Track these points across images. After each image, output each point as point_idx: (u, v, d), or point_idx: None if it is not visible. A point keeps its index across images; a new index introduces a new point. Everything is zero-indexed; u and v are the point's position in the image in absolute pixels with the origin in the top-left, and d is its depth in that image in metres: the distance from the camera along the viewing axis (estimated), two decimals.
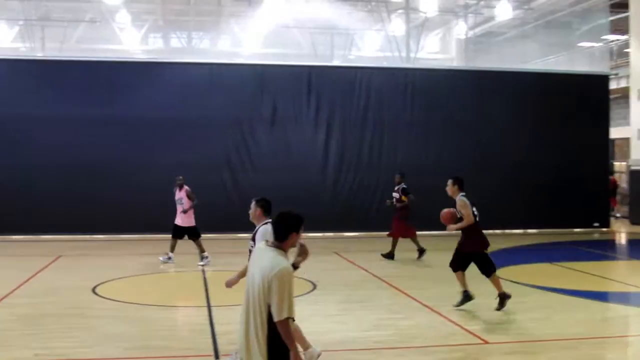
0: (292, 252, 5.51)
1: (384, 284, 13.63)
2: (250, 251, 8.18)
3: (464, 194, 11.18)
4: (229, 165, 21.37)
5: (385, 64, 25.43)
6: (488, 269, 11.20)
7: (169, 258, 15.88)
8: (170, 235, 15.98)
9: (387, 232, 17.16)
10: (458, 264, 11.37)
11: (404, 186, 17.07)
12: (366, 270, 15.20)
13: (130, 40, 39.09)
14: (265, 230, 8.28)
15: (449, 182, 11.28)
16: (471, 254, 11.22)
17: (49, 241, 19.41)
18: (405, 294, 12.61)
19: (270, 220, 8.32)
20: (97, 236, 20.37)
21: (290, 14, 32.15)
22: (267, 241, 5.56)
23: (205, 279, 14.00)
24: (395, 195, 17.02)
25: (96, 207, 20.23)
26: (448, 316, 10.76)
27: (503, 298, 11.14)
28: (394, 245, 16.83)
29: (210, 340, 9.30)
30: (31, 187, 20.08)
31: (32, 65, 22.86)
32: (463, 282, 11.36)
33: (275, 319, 5.16)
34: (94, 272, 14.74)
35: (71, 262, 16.47)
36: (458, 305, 11.27)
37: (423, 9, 28.04)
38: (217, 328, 9.87)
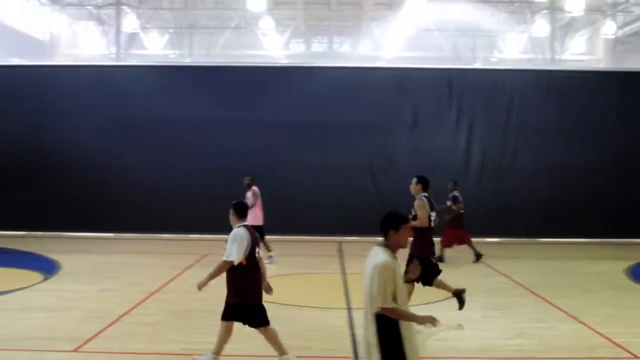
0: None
1: (526, 292, 13.26)
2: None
3: (425, 194, 10.90)
4: (370, 168, 21.40)
5: (528, 66, 24.72)
6: (428, 278, 10.59)
7: (271, 257, 16.44)
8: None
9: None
10: (431, 274, 10.73)
11: (456, 194, 16.86)
12: (508, 277, 14.83)
13: (273, 46, 40.03)
14: (235, 233, 8.34)
15: (413, 180, 11.06)
16: (419, 257, 10.41)
17: (197, 240, 20.08)
18: (549, 302, 12.21)
19: (244, 223, 8.48)
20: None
21: (431, 17, 31.95)
22: (379, 242, 5.86)
23: (345, 281, 14.09)
24: (448, 203, 16.82)
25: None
26: (595, 327, 10.31)
27: (459, 295, 10.71)
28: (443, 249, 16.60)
29: (350, 343, 9.34)
30: (179, 187, 20.86)
31: (181, 71, 23.79)
32: (445, 286, 10.82)
33: (374, 309, 5.56)
34: None
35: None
36: (461, 308, 10.74)
37: (568, 8, 27.08)
38: (356, 331, 9.90)
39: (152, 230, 20.92)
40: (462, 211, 16.98)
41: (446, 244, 16.86)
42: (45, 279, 14.06)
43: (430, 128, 21.46)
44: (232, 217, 8.50)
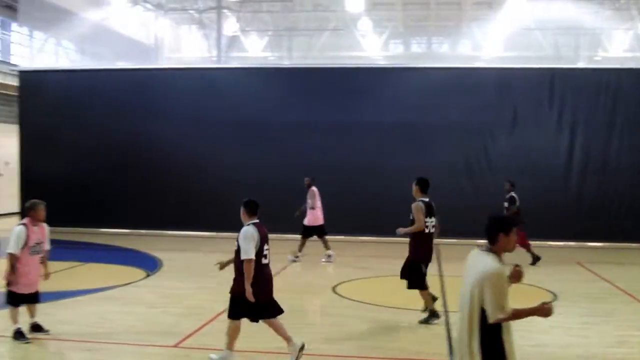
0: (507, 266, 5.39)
1: (629, 298, 12.79)
2: (236, 252, 8.42)
3: (425, 198, 10.69)
4: (468, 169, 21.12)
5: (634, 65, 23.82)
6: (417, 283, 10.58)
7: (297, 257, 16.67)
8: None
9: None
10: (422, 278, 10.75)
11: (513, 195, 16.51)
12: (610, 283, 14.33)
13: (371, 47, 39.98)
14: (245, 231, 8.37)
15: (414, 183, 10.82)
16: (412, 261, 10.58)
17: (294, 240, 20.24)
18: None
19: (255, 221, 8.55)
20: (338, 237, 20.96)
21: (531, 16, 31.24)
22: (480, 245, 5.52)
23: (442, 284, 13.92)
24: (505, 204, 16.56)
25: (336, 209, 20.84)
26: None
27: (433, 313, 10.56)
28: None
29: (445, 345, 9.23)
30: (276, 188, 21.10)
31: (280, 73, 24.03)
32: (426, 298, 10.78)
33: (491, 320, 5.19)
34: (336, 271, 15.21)
35: (313, 262, 17.07)
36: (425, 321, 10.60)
37: None
38: (453, 333, 9.77)
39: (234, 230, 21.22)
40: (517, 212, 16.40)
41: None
42: (148, 275, 14.50)
43: (531, 128, 20.97)
44: (242, 215, 8.68)
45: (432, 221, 10.71)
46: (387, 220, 20.26)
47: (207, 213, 21.30)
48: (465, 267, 5.53)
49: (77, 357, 8.55)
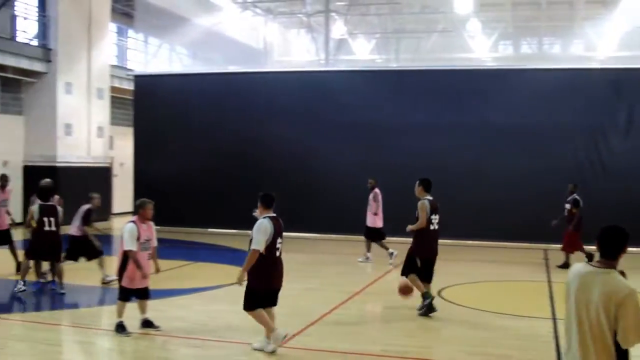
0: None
1: None
2: (250, 242, 8.63)
3: (428, 197, 11.30)
4: (579, 173, 20.47)
5: None
6: (405, 270, 11.12)
7: (367, 258, 16.57)
8: None
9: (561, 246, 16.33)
10: (409, 269, 11.13)
11: (576, 197, 16.28)
12: None
13: (480, 48, 39.40)
14: (259, 223, 8.54)
15: (417, 182, 11.48)
16: (420, 259, 11.09)
17: (395, 243, 20.15)
18: None
19: (271, 214, 8.74)
20: (445, 240, 20.70)
21: None
22: (589, 262, 4.97)
23: (551, 291, 13.58)
24: (567, 206, 16.33)
25: (444, 211, 20.63)
26: None
27: (430, 307, 10.86)
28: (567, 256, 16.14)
29: (554, 354, 8.99)
30: (384, 191, 21.08)
31: (387, 75, 24.03)
32: (419, 285, 11.01)
33: (628, 344, 4.67)
34: (440, 276, 15.03)
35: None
36: (422, 310, 10.91)
37: None
38: (561, 341, 9.50)
39: (354, 231, 21.29)
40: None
41: (573, 249, 16.11)
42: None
43: None
44: (259, 208, 8.90)
45: (436, 218, 11.35)
46: (493, 223, 20.08)
47: (313, 214, 21.48)
48: (575, 285, 4.88)
49: (187, 353, 8.79)
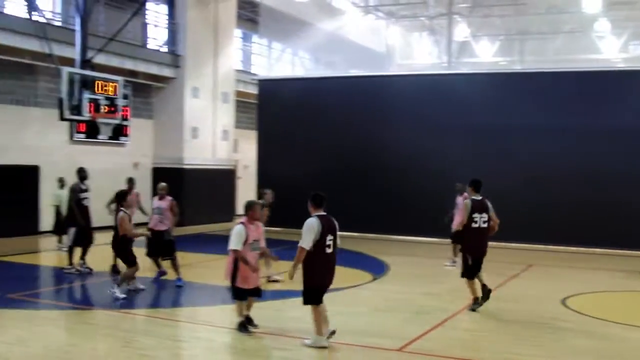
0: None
1: None
2: None
3: (476, 197, 11.70)
4: None
5: None
6: (463, 273, 11.67)
7: (454, 262, 16.10)
8: None
9: None
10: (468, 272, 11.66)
11: None
12: None
13: (609, 49, 37.98)
14: (307, 222, 8.96)
15: (468, 184, 12.07)
16: (470, 257, 11.60)
17: (521, 249, 19.72)
18: None
19: (320, 213, 9.15)
20: (569, 248, 20.10)
21: None
22: None
23: None
24: None
25: (567, 218, 20.02)
26: None
27: (484, 297, 11.47)
28: None
29: None
30: (504, 195, 20.61)
31: (511, 77, 23.51)
32: (475, 290, 11.58)
33: None
34: (564, 284, 14.59)
35: (542, 272, 16.50)
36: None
37: None
38: None
39: None
40: None
41: None
42: (374, 279, 14.72)
43: None
44: (309, 208, 9.09)
45: (482, 217, 11.63)
46: (620, 230, 19.28)
47: (433, 218, 21.22)
48: None
49: (304, 353, 8.85)
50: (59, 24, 22.02)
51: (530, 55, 41.26)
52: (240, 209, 28.95)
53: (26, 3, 17.29)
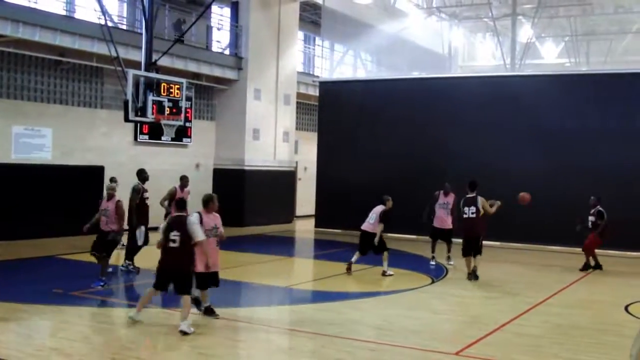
0: None
1: None
2: None
3: (469, 195, 14.95)
4: None
5: None
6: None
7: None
8: None
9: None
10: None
11: (600, 209, 16.45)
12: None
13: None
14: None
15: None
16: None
17: (581, 254, 19.34)
18: None
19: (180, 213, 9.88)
20: (630, 253, 19.64)
21: None
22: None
23: None
24: (591, 218, 16.48)
25: (632, 222, 19.55)
26: None
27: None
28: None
29: None
30: (568, 199, 20.29)
31: (577, 79, 23.12)
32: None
33: None
34: (627, 290, 14.28)
35: (603, 278, 16.16)
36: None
37: None
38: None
39: (538, 241, 20.65)
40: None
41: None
42: (433, 282, 14.65)
43: None
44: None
45: (470, 209, 14.80)
46: None
47: (494, 222, 20.93)
48: None
49: (363, 356, 8.85)
50: (125, 27, 22.52)
51: (596, 56, 40.42)
52: (300, 210, 29.19)
53: (98, 8, 17.70)
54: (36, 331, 9.82)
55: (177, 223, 9.82)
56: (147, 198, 14.87)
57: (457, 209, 16.11)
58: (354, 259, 15.20)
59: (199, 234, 9.82)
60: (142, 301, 10.15)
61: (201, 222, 10.12)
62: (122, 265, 14.66)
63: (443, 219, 17.03)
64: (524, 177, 20.66)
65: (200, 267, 10.14)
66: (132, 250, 14.61)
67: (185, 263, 9.82)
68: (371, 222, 14.98)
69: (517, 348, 9.37)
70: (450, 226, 17.03)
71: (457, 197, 16.78)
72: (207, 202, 10.51)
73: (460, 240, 15.06)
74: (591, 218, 16.48)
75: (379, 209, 15.03)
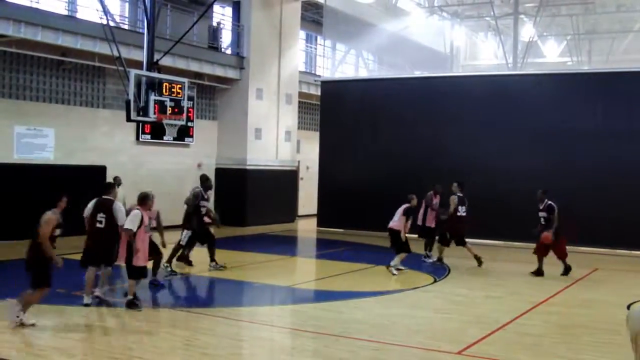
0: None
1: None
2: None
3: (459, 194, 16.69)
4: None
5: None
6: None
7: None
8: None
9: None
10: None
11: (550, 203, 15.46)
12: None
13: None
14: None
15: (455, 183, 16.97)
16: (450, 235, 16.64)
17: (587, 253, 19.35)
18: None
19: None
20: (634, 252, 19.61)
21: None
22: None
23: None
24: (543, 214, 15.43)
25: (635, 222, 19.55)
26: None
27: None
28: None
29: None
30: (571, 199, 20.29)
31: (579, 78, 23.12)
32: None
33: None
34: (631, 289, 14.26)
35: (607, 276, 16.17)
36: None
37: None
38: None
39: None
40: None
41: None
42: (435, 281, 14.65)
43: None
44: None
45: (463, 208, 16.49)
46: None
47: (497, 221, 20.97)
48: None
49: (366, 355, 8.86)
50: (127, 27, 22.53)
51: (598, 55, 40.43)
52: (302, 209, 29.18)
53: (100, 8, 17.72)
54: (38, 331, 9.83)
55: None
56: (204, 206, 15.14)
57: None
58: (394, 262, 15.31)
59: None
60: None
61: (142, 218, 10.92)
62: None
63: (432, 218, 17.65)
64: (525, 176, 20.67)
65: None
66: (175, 250, 14.87)
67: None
68: (395, 219, 15.22)
69: (519, 347, 9.37)
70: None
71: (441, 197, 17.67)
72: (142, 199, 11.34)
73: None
74: (542, 214, 15.49)
75: (403, 206, 15.35)
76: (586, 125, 20.75)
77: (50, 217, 9.67)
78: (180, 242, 14.95)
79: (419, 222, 17.72)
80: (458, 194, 16.62)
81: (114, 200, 11.55)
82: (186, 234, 14.92)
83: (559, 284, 14.38)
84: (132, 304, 10.87)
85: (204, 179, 15.42)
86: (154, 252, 12.49)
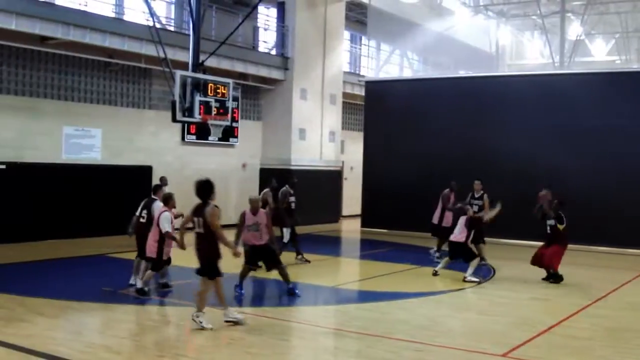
0: None
1: None
2: None
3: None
4: None
5: None
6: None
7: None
8: None
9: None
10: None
11: (560, 213, 14.55)
12: None
13: None
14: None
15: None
16: None
17: (635, 255, 19.01)
18: None
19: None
20: None
21: None
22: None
23: None
24: (550, 222, 14.61)
25: None
26: None
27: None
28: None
29: None
30: (616, 200, 19.97)
31: (628, 77, 22.68)
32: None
33: None
34: None
35: None
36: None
37: None
38: None
39: (585, 241, 20.27)
40: None
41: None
42: (480, 282, 14.50)
43: None
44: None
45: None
46: None
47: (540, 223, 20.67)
48: None
49: (408, 356, 8.82)
50: (173, 29, 22.77)
51: None
52: (346, 210, 29.16)
53: (147, 10, 17.95)
54: (85, 328, 9.98)
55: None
56: (293, 202, 16.48)
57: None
58: (440, 266, 15.10)
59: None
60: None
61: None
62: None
63: (449, 219, 16.85)
64: (572, 177, 20.39)
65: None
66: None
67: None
68: (457, 233, 14.72)
69: (565, 351, 9.24)
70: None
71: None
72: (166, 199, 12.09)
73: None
74: (550, 222, 14.80)
75: (463, 218, 14.80)
76: (636, 125, 20.37)
77: (215, 209, 9.76)
78: (284, 241, 16.04)
79: (435, 221, 17.56)
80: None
81: (156, 199, 12.43)
82: (286, 231, 16.06)
83: (607, 287, 14.15)
84: (142, 291, 11.80)
85: (289, 178, 17.26)
86: (273, 261, 12.59)
